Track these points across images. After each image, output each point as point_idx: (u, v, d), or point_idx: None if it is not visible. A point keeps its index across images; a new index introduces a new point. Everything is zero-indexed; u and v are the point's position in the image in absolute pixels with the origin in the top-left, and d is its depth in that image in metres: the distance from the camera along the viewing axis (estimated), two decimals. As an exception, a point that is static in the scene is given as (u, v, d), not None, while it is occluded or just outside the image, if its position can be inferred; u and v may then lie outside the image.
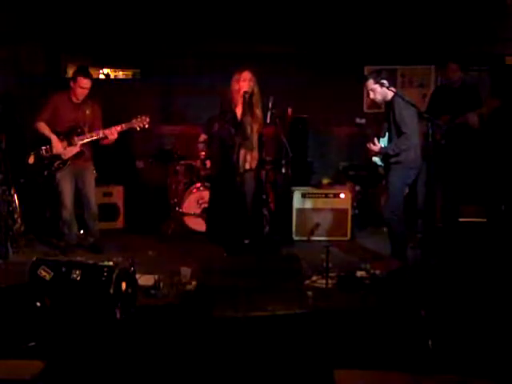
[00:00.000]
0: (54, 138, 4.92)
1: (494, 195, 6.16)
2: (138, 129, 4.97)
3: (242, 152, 4.97)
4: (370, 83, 4.53)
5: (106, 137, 4.93)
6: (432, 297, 3.61)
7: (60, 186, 5.02)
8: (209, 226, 5.51)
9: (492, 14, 6.55)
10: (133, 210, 6.45)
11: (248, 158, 5.02)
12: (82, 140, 4.95)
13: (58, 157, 4.96)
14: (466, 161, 5.36)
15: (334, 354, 3.04)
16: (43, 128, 4.93)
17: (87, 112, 4.99)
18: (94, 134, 4.93)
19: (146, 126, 4.97)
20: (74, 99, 5.00)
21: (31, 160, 4.95)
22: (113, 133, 4.91)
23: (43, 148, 4.94)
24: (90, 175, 5.19)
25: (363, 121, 4.87)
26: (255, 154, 5.08)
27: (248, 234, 5.25)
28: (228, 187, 4.97)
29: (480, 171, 6.21)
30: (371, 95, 4.60)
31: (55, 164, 4.96)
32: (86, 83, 4.93)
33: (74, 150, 4.97)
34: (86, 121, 4.99)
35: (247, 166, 5.03)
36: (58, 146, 4.93)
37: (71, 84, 4.96)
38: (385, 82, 4.44)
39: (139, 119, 4.94)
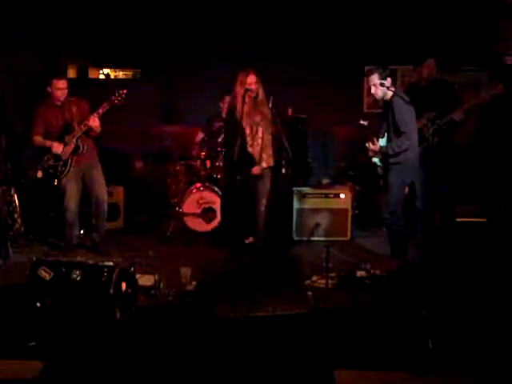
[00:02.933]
0: (50, 142, 4.98)
1: (493, 195, 6.16)
2: (118, 103, 4.94)
3: (251, 151, 4.97)
4: (374, 78, 4.47)
5: (90, 126, 4.92)
6: (432, 297, 3.60)
7: (65, 189, 5.02)
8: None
9: (492, 13, 6.55)
10: (133, 210, 6.45)
11: (264, 156, 4.99)
12: (74, 136, 4.96)
13: (58, 159, 4.96)
14: (462, 159, 5.33)
15: (334, 353, 3.05)
16: (39, 141, 5.00)
17: (74, 110, 5.00)
18: (82, 126, 4.95)
19: (124, 96, 4.94)
20: (57, 102, 5.01)
21: (40, 174, 4.98)
22: (94, 119, 4.91)
23: (45, 158, 4.97)
24: (98, 172, 5.18)
25: (366, 122, 4.85)
26: (269, 152, 5.02)
27: (252, 233, 5.26)
28: (231, 187, 4.99)
29: (480, 171, 6.22)
30: (373, 90, 4.55)
31: (59, 168, 4.97)
32: (62, 83, 4.97)
33: (70, 147, 4.99)
34: (73, 118, 4.99)
35: (264, 165, 5.01)
36: (58, 147, 4.95)
37: (48, 90, 4.98)
38: (385, 82, 4.43)
39: (116, 94, 4.94)
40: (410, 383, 2.77)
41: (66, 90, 5.00)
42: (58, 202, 5.16)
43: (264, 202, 5.08)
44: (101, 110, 4.92)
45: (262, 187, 5.06)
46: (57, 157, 4.97)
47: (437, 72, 5.22)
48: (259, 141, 4.99)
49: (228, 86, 5.13)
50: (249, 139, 4.96)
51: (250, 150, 4.97)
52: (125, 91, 4.95)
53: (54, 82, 4.95)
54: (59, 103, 5.01)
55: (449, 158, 5.16)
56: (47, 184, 5.02)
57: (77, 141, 4.97)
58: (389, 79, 4.45)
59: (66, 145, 4.96)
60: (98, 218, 5.22)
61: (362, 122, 4.83)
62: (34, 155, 5.08)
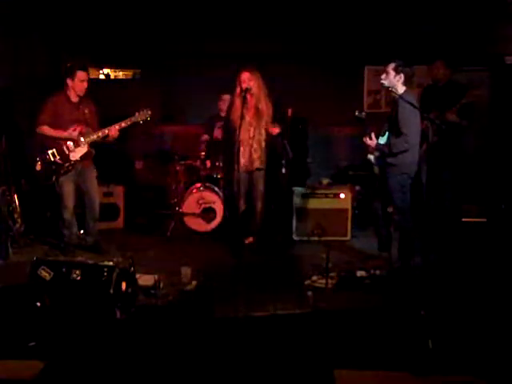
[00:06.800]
0: (64, 133, 4.86)
1: (494, 195, 6.16)
2: (142, 122, 4.97)
3: (247, 151, 4.99)
4: (389, 66, 4.47)
5: (108, 135, 4.93)
6: (432, 296, 3.61)
7: (62, 188, 4.98)
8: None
9: (492, 13, 6.55)
10: (133, 210, 6.45)
11: (254, 156, 5.05)
12: (88, 140, 4.94)
13: (67, 159, 4.90)
14: (462, 159, 5.34)
15: (334, 353, 3.04)
16: (48, 131, 4.86)
17: (86, 111, 4.96)
18: (99, 133, 4.92)
19: (149, 118, 4.97)
20: (73, 97, 4.95)
21: (38, 167, 4.88)
22: (116, 130, 4.91)
23: (49, 152, 4.86)
24: (92, 174, 5.16)
25: (363, 114, 4.81)
26: (259, 153, 5.08)
27: (252, 233, 5.28)
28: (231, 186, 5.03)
29: (480, 171, 6.21)
30: (382, 77, 4.54)
31: (64, 166, 4.90)
32: (85, 75, 4.92)
33: (83, 150, 4.93)
34: (86, 120, 4.96)
35: (255, 166, 5.06)
36: (74, 138, 4.88)
37: (69, 82, 4.90)
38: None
39: (142, 113, 4.94)
40: (410, 383, 2.77)
41: (87, 84, 4.95)
42: (56, 201, 5.14)
43: (259, 204, 5.16)
44: (123, 124, 4.91)
45: (256, 189, 5.13)
46: (65, 156, 4.89)
47: (449, 73, 5.35)
48: (250, 141, 5.02)
49: (228, 86, 5.13)
50: (243, 140, 4.96)
51: (241, 150, 4.97)
52: (149, 111, 4.94)
53: (79, 73, 4.87)
54: (76, 99, 4.96)
55: (451, 158, 5.16)
56: (45, 179, 4.93)
57: (90, 145, 4.95)
58: (402, 75, 4.45)
59: (78, 146, 4.90)
60: (90, 219, 5.19)
61: (357, 114, 4.78)
62: (37, 147, 4.93)
